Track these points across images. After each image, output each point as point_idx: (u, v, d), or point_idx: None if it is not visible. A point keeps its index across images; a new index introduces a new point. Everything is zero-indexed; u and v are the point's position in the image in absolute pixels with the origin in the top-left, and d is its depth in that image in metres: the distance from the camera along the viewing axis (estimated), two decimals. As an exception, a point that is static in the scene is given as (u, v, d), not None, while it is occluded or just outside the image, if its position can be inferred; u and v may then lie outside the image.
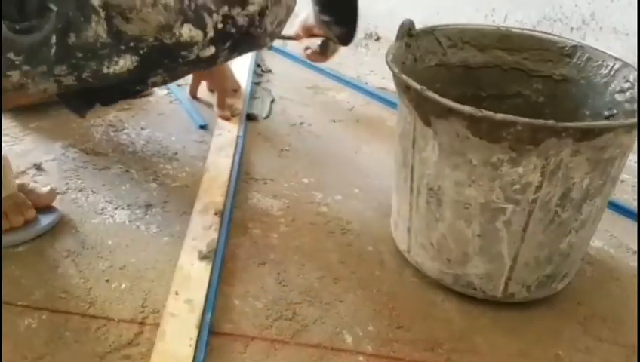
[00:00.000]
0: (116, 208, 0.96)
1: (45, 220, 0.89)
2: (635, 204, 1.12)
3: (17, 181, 0.91)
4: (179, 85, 1.36)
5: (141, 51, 0.69)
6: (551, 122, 0.68)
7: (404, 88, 0.79)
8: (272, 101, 1.38)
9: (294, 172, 1.12)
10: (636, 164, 1.20)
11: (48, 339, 0.72)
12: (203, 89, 1.36)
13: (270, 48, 1.51)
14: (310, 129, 1.29)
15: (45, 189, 0.92)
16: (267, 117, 1.31)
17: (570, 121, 0.85)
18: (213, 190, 1.01)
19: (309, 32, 1.22)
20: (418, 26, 0.92)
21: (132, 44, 0.68)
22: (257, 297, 0.82)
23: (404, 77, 0.77)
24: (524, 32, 0.99)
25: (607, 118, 0.90)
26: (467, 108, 0.70)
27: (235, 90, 1.35)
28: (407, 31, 0.91)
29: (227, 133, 1.20)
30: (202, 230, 0.91)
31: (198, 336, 0.73)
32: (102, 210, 0.95)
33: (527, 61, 0.98)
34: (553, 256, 0.81)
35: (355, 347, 0.76)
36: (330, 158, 1.19)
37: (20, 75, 0.62)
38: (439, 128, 0.76)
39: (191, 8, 0.69)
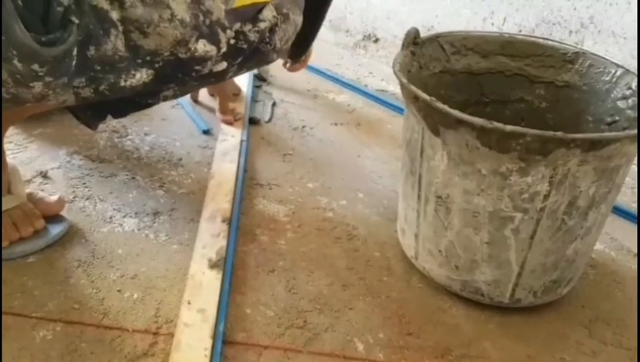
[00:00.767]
0: (124, 216, 0.96)
1: (54, 230, 0.90)
2: (635, 206, 1.14)
3: (26, 190, 0.92)
4: (180, 89, 1.36)
5: (157, 65, 0.70)
6: (560, 133, 0.69)
7: (412, 98, 0.80)
8: (274, 104, 1.39)
9: (299, 177, 1.13)
10: (636, 166, 1.21)
11: (64, 351, 0.72)
12: (204, 93, 1.36)
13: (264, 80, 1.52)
14: (312, 132, 1.30)
15: (54, 198, 0.93)
16: (269, 121, 1.32)
17: (573, 127, 0.86)
18: (220, 197, 1.02)
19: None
20: (417, 27, 0.93)
21: (148, 58, 0.68)
22: (268, 305, 0.83)
23: (412, 87, 0.78)
24: (527, 38, 1.00)
25: (609, 124, 0.92)
26: (477, 120, 0.71)
27: (236, 94, 1.36)
28: (413, 39, 0.91)
29: (231, 138, 1.20)
30: (211, 238, 0.92)
31: (213, 346, 0.74)
32: (110, 218, 0.95)
33: (530, 67, 1.00)
34: (559, 262, 0.82)
35: (367, 354, 0.77)
36: (334, 162, 1.20)
37: (42, 86, 0.63)
38: (448, 138, 0.77)
39: (205, 24, 0.70)
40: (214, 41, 0.71)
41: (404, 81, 0.80)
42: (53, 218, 0.91)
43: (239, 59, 0.76)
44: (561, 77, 0.98)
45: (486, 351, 0.80)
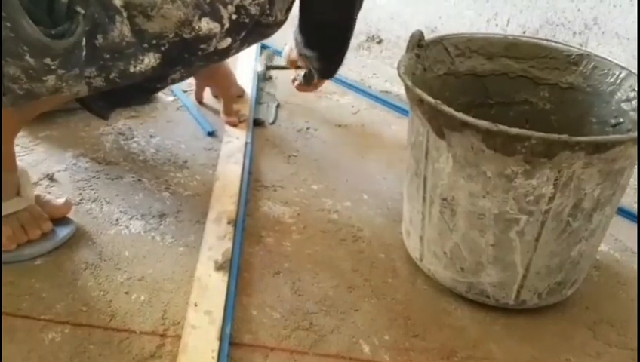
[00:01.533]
0: (131, 218, 0.97)
1: (62, 232, 0.90)
2: (636, 206, 1.14)
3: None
4: (185, 91, 1.37)
5: (163, 48, 0.70)
6: (564, 136, 0.70)
7: (417, 101, 0.80)
8: (278, 106, 1.39)
9: (303, 178, 1.14)
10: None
11: (73, 353, 0.73)
12: (208, 95, 1.37)
13: (270, 79, 1.51)
14: (316, 134, 1.30)
15: (61, 201, 0.93)
16: (274, 122, 1.32)
17: (577, 129, 0.86)
18: (225, 199, 1.02)
19: (294, 64, 1.24)
20: (420, 29, 0.93)
21: (154, 42, 0.69)
22: (274, 307, 0.84)
23: (417, 90, 0.78)
24: (531, 40, 1.00)
25: (613, 126, 0.92)
26: (483, 123, 0.71)
27: (240, 95, 1.36)
28: (417, 42, 0.92)
29: (235, 139, 1.21)
30: (217, 240, 0.92)
31: (220, 348, 0.74)
32: (117, 220, 0.96)
33: (534, 69, 1.00)
34: (564, 264, 0.83)
35: (373, 356, 0.78)
36: (338, 164, 1.20)
37: (55, 79, 0.63)
38: (453, 141, 0.77)
39: (206, 2, 0.70)
40: (217, 17, 0.72)
41: (409, 83, 0.80)
42: (61, 220, 0.92)
43: (242, 34, 0.77)
44: (565, 79, 0.98)
45: (491, 353, 0.80)
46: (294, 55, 1.20)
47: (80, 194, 1.01)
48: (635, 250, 1.03)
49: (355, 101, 1.47)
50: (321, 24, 1.04)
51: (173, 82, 0.81)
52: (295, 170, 1.16)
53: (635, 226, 1.09)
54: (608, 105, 0.93)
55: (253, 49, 1.58)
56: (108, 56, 0.67)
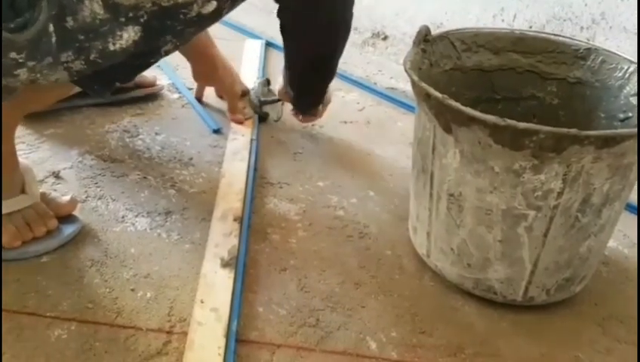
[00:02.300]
0: (136, 216, 0.96)
1: (67, 229, 0.90)
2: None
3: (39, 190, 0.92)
4: (190, 89, 1.37)
5: (142, 20, 0.67)
6: (574, 130, 0.69)
7: (424, 96, 0.80)
8: (283, 103, 1.38)
9: (309, 175, 1.13)
10: None
11: (79, 350, 0.73)
12: (212, 95, 1.36)
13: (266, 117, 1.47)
14: (322, 131, 1.30)
15: (66, 198, 0.93)
16: (279, 119, 1.32)
17: (585, 124, 0.85)
18: (231, 196, 1.02)
19: (286, 98, 1.23)
20: (427, 25, 0.92)
21: (131, 15, 0.66)
22: (280, 304, 0.83)
23: (424, 85, 0.78)
24: (539, 34, 0.99)
25: (622, 120, 0.91)
26: (490, 118, 0.71)
27: (244, 93, 1.35)
28: (424, 37, 0.91)
29: (241, 137, 1.21)
30: (223, 237, 0.92)
31: (226, 345, 0.74)
32: (122, 217, 0.96)
33: (542, 64, 0.99)
34: (573, 260, 0.82)
35: (380, 353, 0.77)
36: (344, 161, 1.20)
37: (27, 72, 0.62)
38: (461, 136, 0.77)
39: None
40: None
41: (416, 78, 0.80)
42: (66, 218, 0.92)
43: None
44: (573, 73, 0.97)
45: (499, 350, 0.80)
46: (281, 88, 1.23)
47: (85, 191, 1.01)
48: (644, 245, 1.02)
49: (360, 98, 1.46)
50: (299, 60, 1.07)
51: (167, 53, 0.76)
52: (301, 166, 1.16)
53: None
54: (617, 99, 0.92)
55: (257, 55, 1.58)
56: (82, 37, 0.64)
